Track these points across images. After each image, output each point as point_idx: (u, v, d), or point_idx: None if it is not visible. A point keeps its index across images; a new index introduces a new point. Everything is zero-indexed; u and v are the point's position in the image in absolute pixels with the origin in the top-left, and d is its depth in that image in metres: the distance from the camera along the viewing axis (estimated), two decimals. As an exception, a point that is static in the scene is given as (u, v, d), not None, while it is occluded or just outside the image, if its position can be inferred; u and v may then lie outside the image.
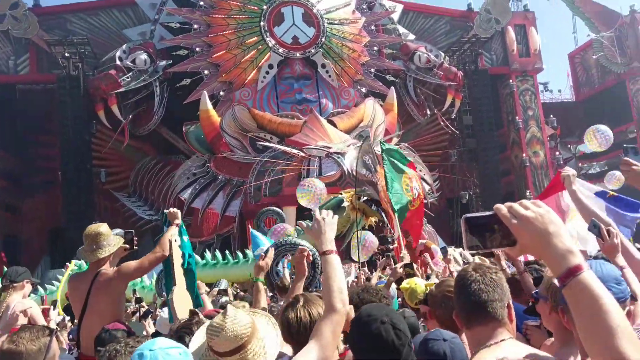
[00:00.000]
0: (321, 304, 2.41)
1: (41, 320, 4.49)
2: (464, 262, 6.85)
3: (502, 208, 1.30)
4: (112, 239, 4.08)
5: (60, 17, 21.59)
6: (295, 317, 2.41)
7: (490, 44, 24.42)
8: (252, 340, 2.03)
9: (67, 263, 11.45)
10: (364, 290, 3.05)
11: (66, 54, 19.90)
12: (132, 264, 4.12)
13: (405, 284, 4.05)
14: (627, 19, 26.47)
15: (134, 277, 4.28)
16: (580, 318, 1.20)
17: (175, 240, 4.43)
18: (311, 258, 3.73)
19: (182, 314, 3.74)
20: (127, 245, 4.25)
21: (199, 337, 2.19)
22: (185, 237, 4.66)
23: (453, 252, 7.24)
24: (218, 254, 13.25)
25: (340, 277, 2.28)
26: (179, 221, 4.37)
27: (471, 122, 22.84)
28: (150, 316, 6.55)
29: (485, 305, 1.75)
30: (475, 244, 1.33)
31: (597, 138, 11.45)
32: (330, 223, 2.47)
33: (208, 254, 13.33)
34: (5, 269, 5.32)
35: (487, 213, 1.32)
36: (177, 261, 4.33)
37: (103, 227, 4.09)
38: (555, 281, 1.29)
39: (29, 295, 4.87)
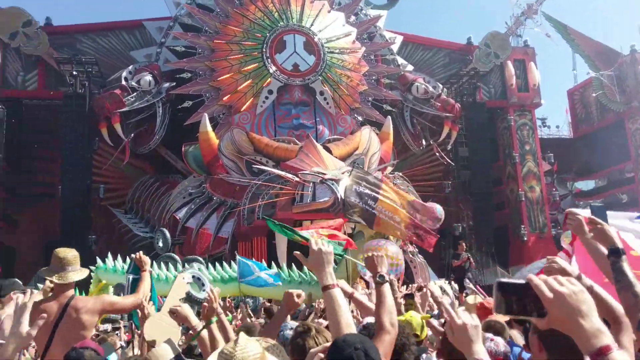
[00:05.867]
0: (328, 337, 2.47)
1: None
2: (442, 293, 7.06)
3: (536, 279, 1.35)
4: (78, 266, 3.98)
5: (70, 36, 22.19)
6: (315, 344, 2.44)
7: (488, 78, 24.70)
8: None
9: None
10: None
11: (74, 72, 20.37)
12: (115, 299, 4.16)
13: (401, 316, 3.97)
14: (627, 58, 26.64)
15: (110, 312, 4.30)
16: None
17: (184, 278, 4.61)
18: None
19: (151, 336, 3.88)
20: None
21: None
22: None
23: (433, 285, 7.44)
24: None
25: (345, 311, 2.28)
26: (148, 267, 4.36)
27: (467, 154, 22.98)
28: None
29: None
30: (506, 309, 1.38)
31: None
32: (327, 253, 2.44)
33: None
34: None
35: (521, 281, 1.38)
36: (174, 295, 4.38)
37: (75, 252, 4.03)
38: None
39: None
